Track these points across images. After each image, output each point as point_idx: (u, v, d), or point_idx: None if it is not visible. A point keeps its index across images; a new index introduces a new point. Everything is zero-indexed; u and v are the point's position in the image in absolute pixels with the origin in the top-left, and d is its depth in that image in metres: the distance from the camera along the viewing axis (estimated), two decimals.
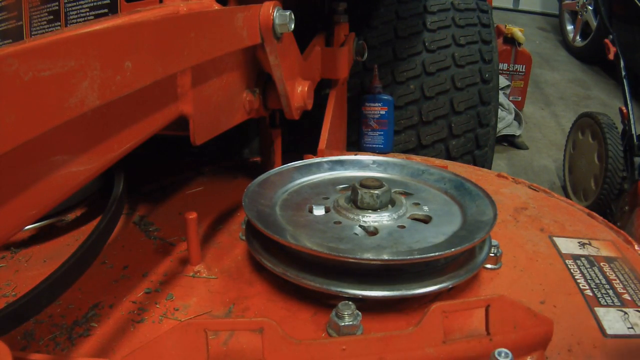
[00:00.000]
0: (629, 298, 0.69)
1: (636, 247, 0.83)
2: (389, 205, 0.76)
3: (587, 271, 0.75)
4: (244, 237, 0.78)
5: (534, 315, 0.54)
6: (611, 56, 2.17)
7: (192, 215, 0.71)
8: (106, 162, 0.52)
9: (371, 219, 0.73)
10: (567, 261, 0.77)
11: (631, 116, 2.01)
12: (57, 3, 0.88)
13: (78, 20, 0.86)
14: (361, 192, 0.74)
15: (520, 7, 5.93)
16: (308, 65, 0.99)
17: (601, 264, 0.77)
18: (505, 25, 3.32)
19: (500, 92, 2.91)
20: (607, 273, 0.74)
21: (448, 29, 1.38)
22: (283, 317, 0.64)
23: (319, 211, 0.76)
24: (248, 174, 1.14)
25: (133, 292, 0.69)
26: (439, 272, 0.65)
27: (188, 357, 0.48)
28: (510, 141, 3.07)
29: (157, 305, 0.67)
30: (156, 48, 0.51)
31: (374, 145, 1.28)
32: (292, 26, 0.77)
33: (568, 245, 0.82)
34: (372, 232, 0.70)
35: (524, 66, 3.35)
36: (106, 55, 0.44)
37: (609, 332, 0.62)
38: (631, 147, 1.99)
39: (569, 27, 4.82)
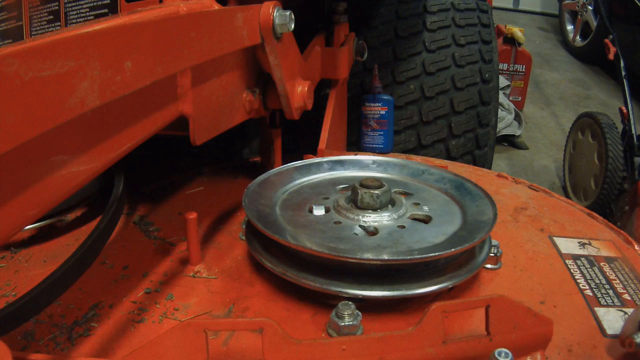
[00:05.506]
0: (629, 298, 0.69)
1: (636, 247, 0.83)
2: (389, 205, 0.76)
3: (587, 271, 0.75)
4: (244, 237, 0.78)
5: (534, 315, 0.54)
6: (611, 56, 2.17)
7: (192, 215, 0.71)
8: (106, 162, 0.52)
9: (371, 219, 0.73)
10: (567, 261, 0.77)
11: (631, 116, 2.01)
12: (57, 3, 0.88)
13: (78, 20, 0.86)
14: (361, 192, 0.74)
15: (520, 7, 5.93)
16: (308, 65, 0.99)
17: (601, 264, 0.77)
18: (505, 25, 3.32)
19: (500, 92, 2.91)
20: (607, 273, 0.74)
21: (448, 29, 1.38)
22: (283, 317, 0.64)
23: (319, 211, 0.76)
24: (248, 174, 1.14)
25: (133, 292, 0.69)
26: (439, 272, 0.65)
27: (188, 357, 0.48)
28: (510, 141, 3.07)
29: (157, 305, 0.67)
30: (156, 48, 0.51)
31: (374, 145, 1.28)
32: (292, 26, 0.77)
33: (568, 245, 0.82)
34: (372, 232, 0.70)
35: (524, 66, 3.35)
36: (106, 55, 0.44)
37: (609, 332, 0.62)
38: (631, 147, 1.99)
39: (569, 27, 4.82)
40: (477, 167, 1.20)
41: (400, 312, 0.64)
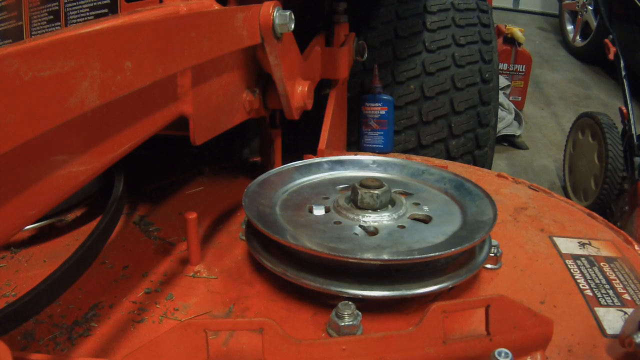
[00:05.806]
0: (629, 298, 0.69)
1: (636, 247, 0.83)
2: (389, 205, 0.76)
3: (587, 271, 0.75)
4: (244, 237, 0.78)
5: (534, 315, 0.54)
6: (611, 56, 2.16)
7: (192, 215, 0.71)
8: (106, 162, 0.52)
9: (371, 219, 0.73)
10: (567, 261, 0.77)
11: (631, 116, 2.01)
12: (57, 3, 0.88)
13: (78, 20, 0.86)
14: (361, 192, 0.74)
15: (520, 7, 5.93)
16: (308, 65, 0.99)
17: (601, 264, 0.77)
18: (505, 25, 3.32)
19: (500, 92, 2.91)
20: (607, 273, 0.74)
21: (448, 29, 1.38)
22: (283, 317, 0.64)
23: (319, 211, 0.76)
24: (248, 174, 1.14)
25: (133, 292, 0.69)
26: (439, 272, 0.65)
27: (188, 357, 0.48)
28: (510, 141, 3.07)
29: (157, 305, 0.67)
30: (156, 48, 0.51)
31: (374, 145, 1.28)
32: (292, 26, 0.77)
33: (568, 245, 0.82)
34: (372, 232, 0.70)
35: (524, 66, 3.35)
36: (106, 55, 0.44)
37: (609, 332, 0.62)
38: (631, 147, 1.99)
39: (569, 27, 4.82)
40: (477, 167, 1.20)
41: (400, 312, 0.64)
